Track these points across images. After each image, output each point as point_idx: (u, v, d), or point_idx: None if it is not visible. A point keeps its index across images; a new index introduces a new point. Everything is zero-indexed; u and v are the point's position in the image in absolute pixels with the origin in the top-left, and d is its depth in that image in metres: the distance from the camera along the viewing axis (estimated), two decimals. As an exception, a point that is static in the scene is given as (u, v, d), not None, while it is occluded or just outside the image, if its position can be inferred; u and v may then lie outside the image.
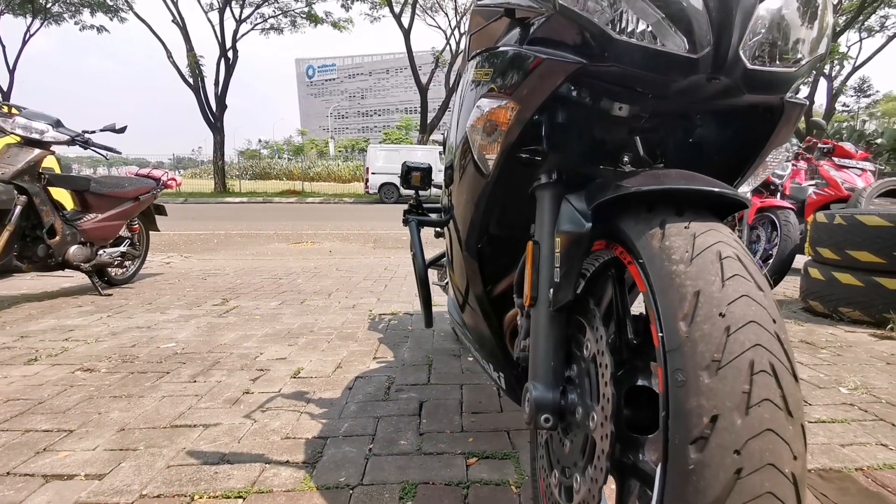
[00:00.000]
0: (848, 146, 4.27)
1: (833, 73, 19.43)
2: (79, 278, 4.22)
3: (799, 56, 0.76)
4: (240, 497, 1.20)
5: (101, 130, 3.60)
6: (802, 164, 4.10)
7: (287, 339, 2.54)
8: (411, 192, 1.56)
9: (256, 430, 1.54)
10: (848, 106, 36.45)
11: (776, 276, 3.33)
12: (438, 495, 1.21)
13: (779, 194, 3.69)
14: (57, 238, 3.38)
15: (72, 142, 3.42)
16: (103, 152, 3.69)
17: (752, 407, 0.53)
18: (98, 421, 1.60)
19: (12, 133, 3.20)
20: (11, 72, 19.15)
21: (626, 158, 0.96)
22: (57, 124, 3.40)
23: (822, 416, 1.65)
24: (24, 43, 19.34)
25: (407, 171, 1.53)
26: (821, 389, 1.87)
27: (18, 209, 3.11)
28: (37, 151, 3.24)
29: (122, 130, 3.63)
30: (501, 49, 0.90)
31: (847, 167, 4.18)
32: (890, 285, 2.66)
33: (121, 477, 1.28)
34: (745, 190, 1.02)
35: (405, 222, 1.47)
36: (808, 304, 3.08)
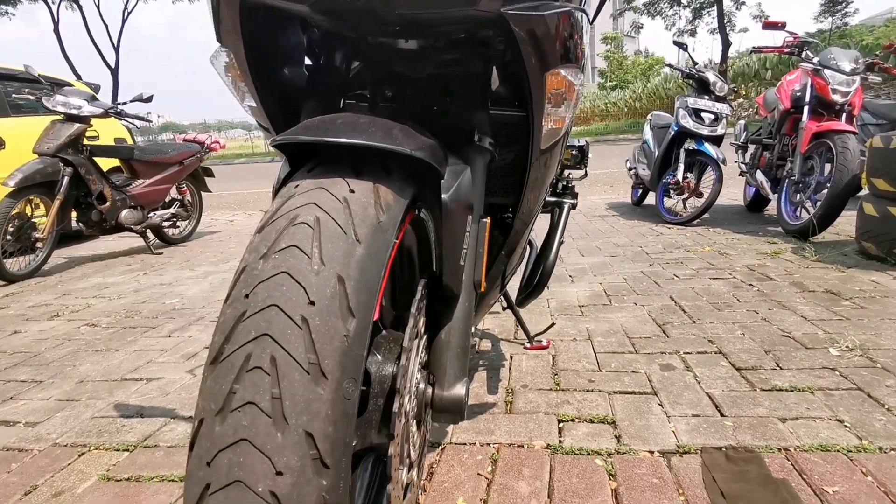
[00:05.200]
0: (957, 47, 3.44)
1: None
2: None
3: None
4: (126, 451, 1.29)
5: (131, 101, 3.85)
6: (876, 78, 3.37)
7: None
8: None
9: (187, 385, 1.64)
10: None
11: (828, 214, 2.84)
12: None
13: (844, 116, 3.09)
14: (107, 204, 3.73)
15: (106, 114, 3.69)
16: (134, 121, 3.96)
17: (232, 411, 0.44)
18: (68, 373, 1.79)
19: (54, 110, 3.51)
20: (116, 49, 20.95)
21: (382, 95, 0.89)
22: (91, 99, 3.68)
23: (783, 383, 1.41)
24: (124, 21, 20.96)
25: None
26: (806, 350, 1.60)
27: (66, 180, 3.46)
28: (76, 126, 3.54)
29: (149, 99, 3.85)
30: None
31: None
32: (963, 221, 2.17)
33: (49, 426, 1.43)
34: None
35: None
36: (862, 246, 2.62)
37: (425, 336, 0.78)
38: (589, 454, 1.16)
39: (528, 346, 1.74)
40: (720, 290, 2.27)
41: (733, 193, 5.02)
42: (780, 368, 1.50)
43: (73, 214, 3.73)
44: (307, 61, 0.91)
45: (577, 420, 1.31)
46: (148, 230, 4.11)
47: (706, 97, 4.00)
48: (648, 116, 4.98)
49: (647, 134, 4.76)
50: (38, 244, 3.46)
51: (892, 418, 1.22)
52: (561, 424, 1.29)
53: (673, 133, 4.05)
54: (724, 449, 1.15)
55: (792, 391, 1.37)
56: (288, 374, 0.45)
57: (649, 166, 4.54)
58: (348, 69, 0.89)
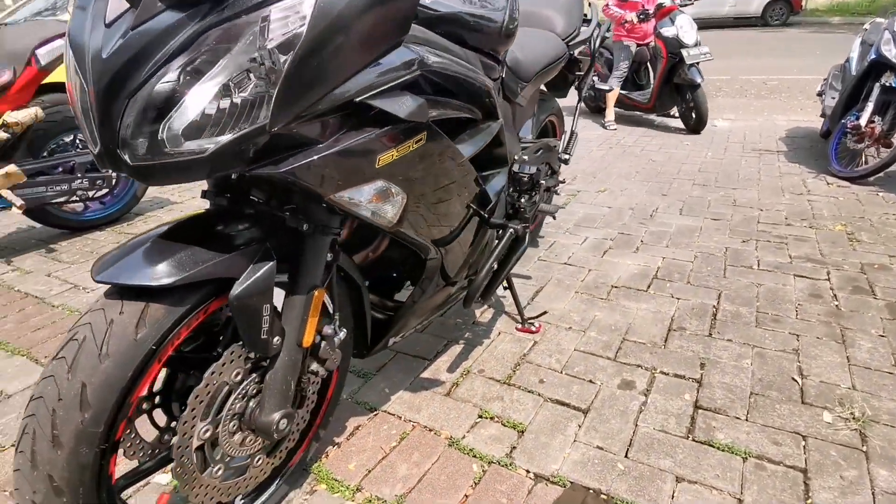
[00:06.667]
0: None
1: None
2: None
3: (205, 140, 0.71)
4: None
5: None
6: None
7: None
8: None
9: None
10: None
11: None
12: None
13: None
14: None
15: None
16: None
17: (17, 456, 0.78)
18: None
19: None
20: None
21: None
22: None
23: (725, 438, 1.33)
24: None
25: None
26: (798, 406, 1.43)
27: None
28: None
29: None
30: None
31: None
32: None
33: None
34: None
35: None
36: None
37: (253, 375, 1.02)
38: (475, 456, 1.34)
39: (519, 327, 1.86)
40: (789, 296, 1.97)
41: (974, 135, 3.74)
42: (744, 420, 1.40)
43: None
44: None
45: (494, 419, 1.46)
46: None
47: (937, 10, 2.93)
48: (865, 26, 3.81)
49: (855, 50, 3.70)
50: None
51: (798, 516, 1.13)
52: (478, 420, 1.46)
53: (869, 61, 3.12)
54: (590, 491, 1.22)
55: (723, 451, 1.30)
56: (39, 442, 0.77)
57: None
58: None
